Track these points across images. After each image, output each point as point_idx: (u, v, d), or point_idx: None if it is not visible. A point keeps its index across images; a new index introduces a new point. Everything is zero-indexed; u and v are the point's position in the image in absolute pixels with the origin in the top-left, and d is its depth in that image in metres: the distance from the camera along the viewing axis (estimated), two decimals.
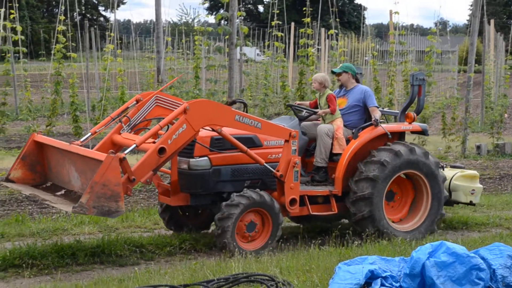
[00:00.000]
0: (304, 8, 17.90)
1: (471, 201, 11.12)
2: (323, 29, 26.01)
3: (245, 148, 9.08)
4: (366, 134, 10.03)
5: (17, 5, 16.35)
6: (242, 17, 16.63)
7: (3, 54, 16.58)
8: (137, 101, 9.52)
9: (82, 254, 8.93)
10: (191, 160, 9.13)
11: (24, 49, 17.10)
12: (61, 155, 8.80)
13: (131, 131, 9.26)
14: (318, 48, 23.81)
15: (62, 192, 8.74)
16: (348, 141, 10.07)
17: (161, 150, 8.34)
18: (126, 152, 8.34)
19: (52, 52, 17.51)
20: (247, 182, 9.42)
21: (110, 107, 21.92)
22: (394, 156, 9.80)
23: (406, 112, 10.53)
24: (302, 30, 18.41)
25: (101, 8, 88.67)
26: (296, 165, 9.26)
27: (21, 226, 10.38)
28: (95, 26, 28.55)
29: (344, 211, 10.02)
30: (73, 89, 17.33)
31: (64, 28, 16.83)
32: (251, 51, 26.02)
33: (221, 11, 20.78)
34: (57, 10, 66.60)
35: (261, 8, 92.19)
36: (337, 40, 22.69)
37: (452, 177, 11.05)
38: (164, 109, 9.40)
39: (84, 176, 8.26)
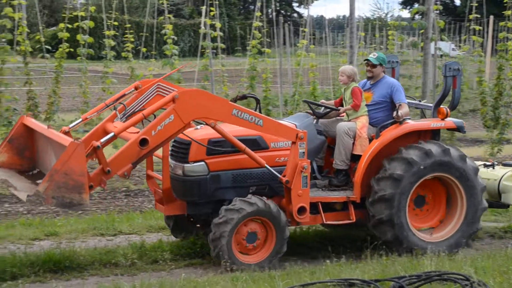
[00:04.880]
0: (505, 0, 17.17)
1: None
2: None
3: (243, 146, 8.14)
4: (390, 133, 8.89)
5: (217, 2, 16.96)
6: (438, 11, 16.25)
7: (203, 50, 17.23)
8: (136, 88, 8.72)
9: None
10: (185, 165, 8.32)
11: (222, 45, 17.71)
12: (44, 140, 8.10)
13: (126, 121, 8.26)
14: None
15: None
16: (371, 140, 9.00)
17: (143, 142, 7.53)
18: (102, 140, 7.56)
19: (248, 47, 17.99)
20: (252, 189, 8.51)
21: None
22: (424, 155, 8.67)
23: (439, 107, 9.27)
24: (502, 23, 17.68)
25: (295, 4, 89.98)
26: (305, 170, 8.27)
27: None
28: (289, 22, 29.05)
29: (365, 219, 8.97)
30: (266, 84, 17.71)
31: (260, 24, 17.24)
32: (446, 46, 25.32)
33: (416, 5, 20.40)
34: (252, 7, 68.42)
35: (457, 1, 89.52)
36: None
37: (501, 177, 9.69)
38: None
39: None
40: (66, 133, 8.30)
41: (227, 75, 18.14)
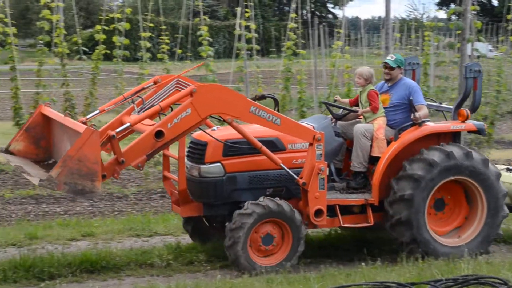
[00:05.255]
0: None
1: None
2: None
3: (259, 144, 8.01)
4: (408, 135, 8.71)
5: (252, 3, 16.98)
6: (476, 12, 16.09)
7: (238, 51, 17.27)
8: (155, 82, 8.62)
9: (309, 247, 9.10)
10: (202, 166, 8.25)
11: (257, 47, 17.73)
12: (61, 129, 8.05)
13: None
14: None
15: None
16: (390, 142, 8.83)
17: (159, 134, 7.43)
18: (117, 130, 7.52)
19: (283, 49, 17.99)
20: (269, 190, 8.42)
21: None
22: (445, 158, 8.50)
23: (460, 109, 9.03)
24: None
25: (330, 5, 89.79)
26: (322, 172, 8.13)
27: None
28: (324, 23, 28.98)
29: (383, 222, 8.77)
30: (301, 85, 17.68)
31: (294, 25, 17.23)
32: (483, 47, 25.06)
33: (452, 5, 20.28)
34: (287, 8, 68.39)
35: (495, 1, 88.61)
36: None
37: None
38: None
39: None
40: (83, 123, 8.12)
41: (262, 76, 18.16)
